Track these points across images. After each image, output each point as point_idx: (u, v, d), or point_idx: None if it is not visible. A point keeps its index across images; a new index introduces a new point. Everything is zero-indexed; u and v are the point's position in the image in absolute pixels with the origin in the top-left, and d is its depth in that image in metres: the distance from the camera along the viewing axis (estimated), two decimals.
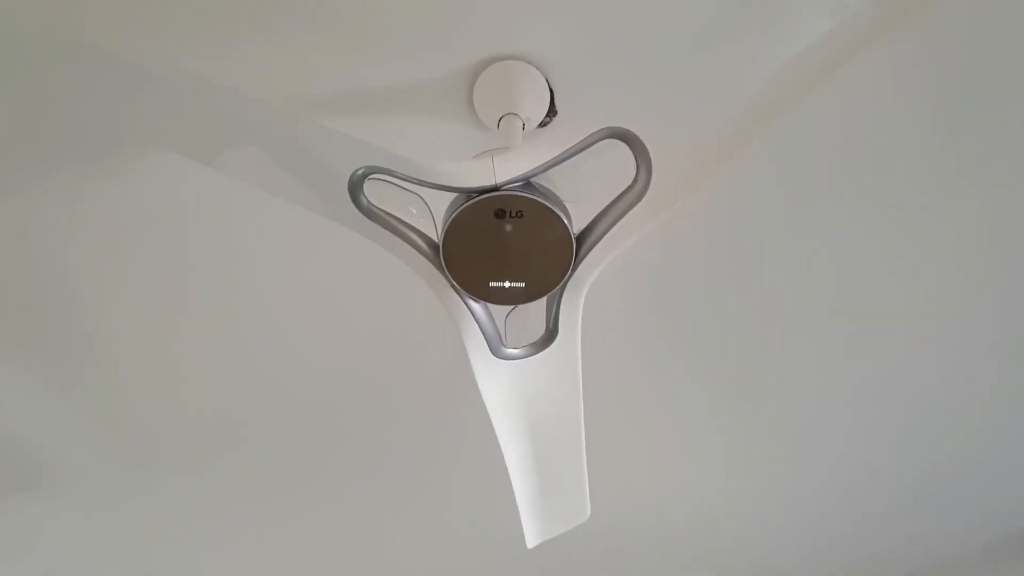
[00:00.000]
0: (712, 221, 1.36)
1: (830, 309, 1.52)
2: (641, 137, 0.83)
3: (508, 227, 0.86)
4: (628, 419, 1.73)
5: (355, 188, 0.86)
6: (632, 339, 1.53)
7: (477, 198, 0.85)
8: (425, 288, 0.94)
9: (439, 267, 0.91)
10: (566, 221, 0.87)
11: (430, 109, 1.17)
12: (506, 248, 0.88)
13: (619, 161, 0.86)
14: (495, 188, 0.85)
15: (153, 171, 1.22)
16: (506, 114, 1.11)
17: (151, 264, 1.36)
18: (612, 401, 1.64)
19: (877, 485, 1.95)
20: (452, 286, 0.92)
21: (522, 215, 0.86)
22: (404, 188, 0.87)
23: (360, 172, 0.85)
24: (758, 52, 0.80)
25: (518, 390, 1.02)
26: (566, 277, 0.90)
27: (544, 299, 0.95)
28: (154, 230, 1.31)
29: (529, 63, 1.16)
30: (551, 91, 1.17)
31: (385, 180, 0.86)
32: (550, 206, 0.85)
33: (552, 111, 1.16)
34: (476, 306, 0.94)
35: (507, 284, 0.90)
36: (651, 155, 0.84)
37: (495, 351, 0.98)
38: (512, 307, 0.96)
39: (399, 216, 0.90)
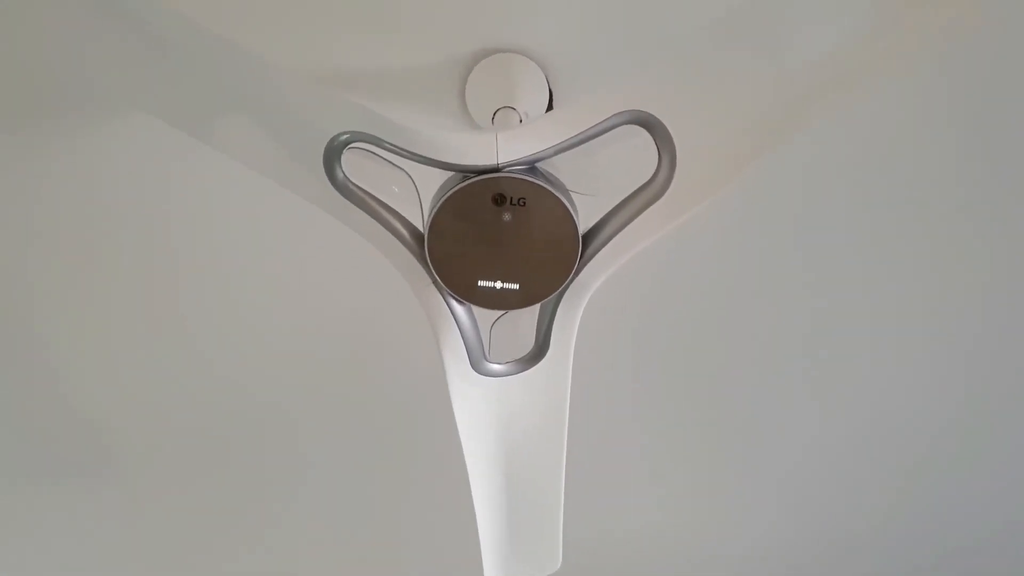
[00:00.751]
0: (715, 238, 1.26)
1: (831, 345, 1.44)
2: (665, 123, 0.73)
3: (507, 216, 0.74)
4: (608, 452, 1.59)
5: (332, 158, 0.73)
6: (620, 362, 1.42)
7: (474, 178, 0.73)
8: (402, 286, 0.82)
9: (421, 259, 0.78)
10: (574, 215, 0.75)
11: (417, 98, 1.07)
12: (501, 242, 0.76)
13: (637, 151, 0.75)
14: (496, 169, 0.73)
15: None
16: (502, 107, 1.00)
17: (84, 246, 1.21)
18: (592, 431, 1.51)
19: (875, 535, 1.84)
20: (434, 283, 0.79)
21: (524, 203, 0.74)
22: (389, 161, 0.74)
23: (341, 138, 0.72)
24: (792, 41, 0.71)
25: (496, 412, 0.89)
26: (567, 281, 0.79)
27: (537, 307, 0.84)
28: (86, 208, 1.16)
29: (528, 57, 1.07)
30: (550, 90, 1.08)
31: (368, 150, 0.73)
32: (558, 195, 0.74)
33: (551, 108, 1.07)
34: (460, 310, 0.82)
35: (498, 285, 0.78)
36: (676, 145, 0.73)
37: (476, 365, 0.85)
38: (501, 313, 0.83)
39: (379, 196, 0.78)
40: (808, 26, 0.70)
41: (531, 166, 0.75)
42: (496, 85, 1.05)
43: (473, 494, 0.96)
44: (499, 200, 0.73)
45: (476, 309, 0.82)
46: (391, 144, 0.71)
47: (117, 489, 1.64)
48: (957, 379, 1.50)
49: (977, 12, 0.64)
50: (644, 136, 0.74)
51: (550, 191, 0.73)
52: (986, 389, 1.51)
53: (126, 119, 1.08)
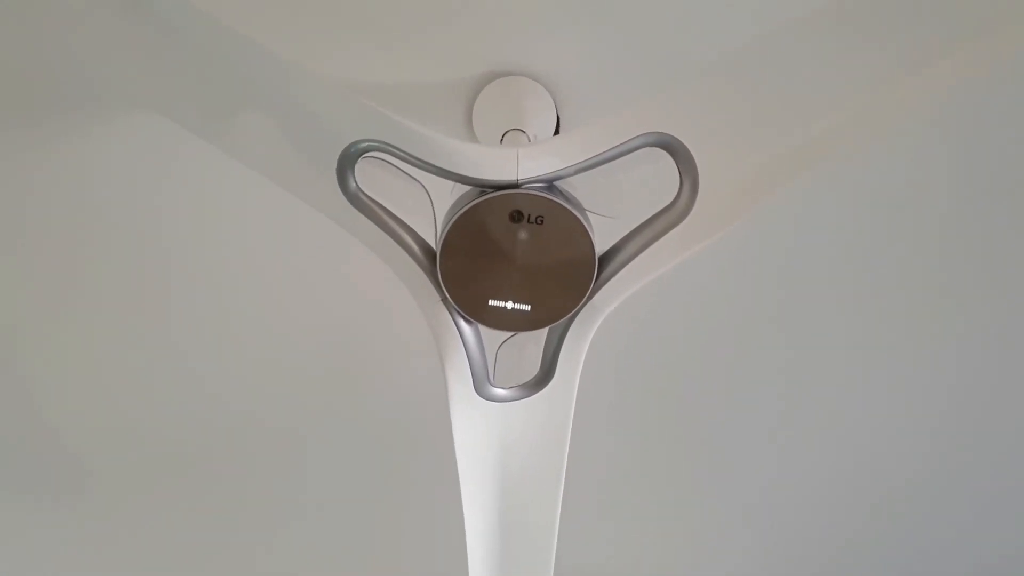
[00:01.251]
0: (695, 279, 1.26)
1: (805, 386, 1.43)
2: (689, 147, 0.71)
3: (523, 234, 0.72)
4: (601, 487, 1.56)
5: (346, 166, 0.71)
6: (598, 396, 1.39)
7: (493, 193, 0.71)
8: (404, 300, 0.79)
9: (431, 275, 0.75)
10: (592, 236, 0.73)
11: (426, 116, 1.05)
12: (516, 260, 0.73)
13: (658, 175, 0.74)
14: (515, 185, 0.71)
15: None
16: (512, 129, 0.99)
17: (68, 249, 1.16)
18: (587, 464, 1.48)
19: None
20: (444, 300, 0.76)
21: (542, 221, 0.72)
22: (405, 172, 0.72)
23: (356, 146, 0.70)
24: (823, 76, 0.71)
25: (496, 438, 0.86)
26: (580, 304, 0.76)
27: (545, 331, 0.81)
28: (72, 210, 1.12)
29: (537, 81, 1.06)
30: (558, 116, 1.07)
31: (384, 159, 0.71)
32: (578, 215, 0.72)
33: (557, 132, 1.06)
34: (468, 330, 0.79)
35: (510, 305, 0.76)
36: (698, 170, 0.72)
37: (479, 388, 0.82)
38: (508, 336, 0.80)
39: (390, 208, 0.75)
40: (841, 61, 0.70)
41: (550, 184, 0.73)
42: (504, 107, 1.03)
43: (465, 521, 0.92)
44: (517, 217, 0.71)
45: (483, 330, 0.80)
46: (409, 155, 0.69)
47: (93, 505, 1.57)
48: (929, 417, 1.50)
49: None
50: (666, 159, 0.73)
51: (570, 211, 0.71)
52: (956, 428, 1.52)
53: (118, 119, 1.04)
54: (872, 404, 1.47)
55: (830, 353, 1.38)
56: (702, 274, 1.24)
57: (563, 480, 0.91)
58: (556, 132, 1.06)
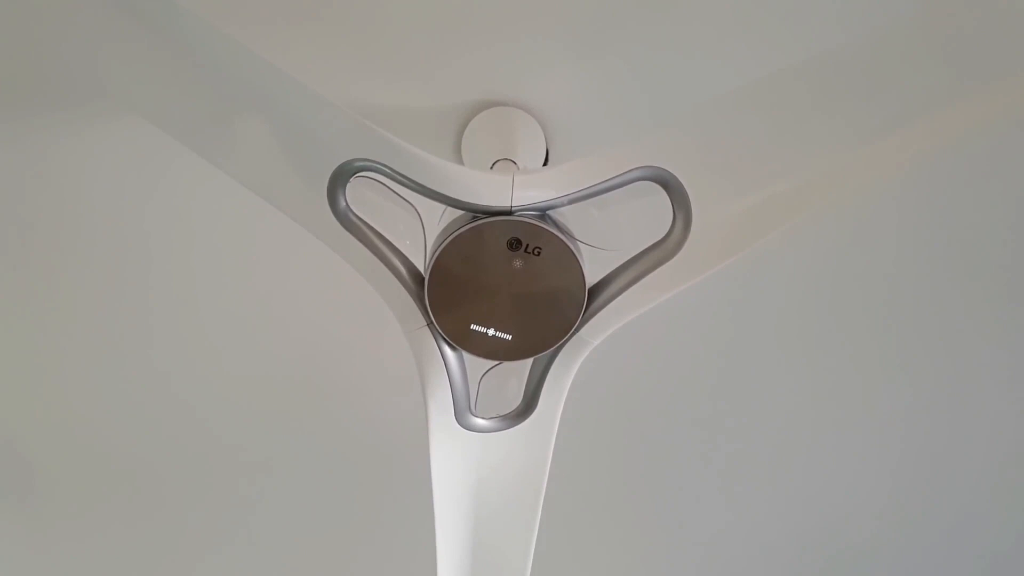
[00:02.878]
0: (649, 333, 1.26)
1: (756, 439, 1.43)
2: (683, 182, 0.71)
3: (515, 262, 0.71)
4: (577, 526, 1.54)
5: (337, 184, 0.70)
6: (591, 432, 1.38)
7: (485, 219, 0.70)
8: (385, 322, 0.77)
9: (418, 299, 0.74)
10: (583, 267, 0.72)
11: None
12: (506, 288, 0.72)
13: (651, 208, 0.74)
14: (508, 212, 0.70)
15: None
16: (502, 159, 0.98)
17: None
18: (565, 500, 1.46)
19: None
20: (429, 325, 0.75)
21: (535, 250, 0.71)
22: (397, 194, 0.71)
23: (350, 164, 0.68)
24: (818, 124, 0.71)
25: (475, 469, 0.84)
26: (568, 335, 0.75)
27: (530, 362, 0.80)
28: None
29: (528, 112, 1.06)
30: (547, 149, 1.07)
31: (376, 180, 0.70)
32: (569, 245, 0.71)
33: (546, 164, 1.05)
34: (452, 357, 0.77)
35: (496, 333, 0.74)
36: (692, 206, 0.72)
37: (460, 417, 0.80)
38: (492, 365, 0.79)
39: (379, 230, 0.74)
40: (833, 111, 0.71)
41: (542, 213, 0.72)
42: (495, 136, 1.03)
43: (438, 553, 0.90)
44: (511, 244, 0.70)
45: (467, 358, 0.78)
46: (403, 176, 0.68)
47: (38, 519, 1.50)
48: (881, 473, 1.52)
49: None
50: (659, 194, 0.73)
51: (562, 240, 0.71)
52: (907, 484, 1.54)
53: (105, 126, 1.02)
54: (829, 458, 1.48)
55: (777, 402, 1.40)
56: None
57: (538, 516, 0.89)
58: (545, 163, 1.06)
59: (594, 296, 0.75)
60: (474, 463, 0.84)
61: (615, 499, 1.53)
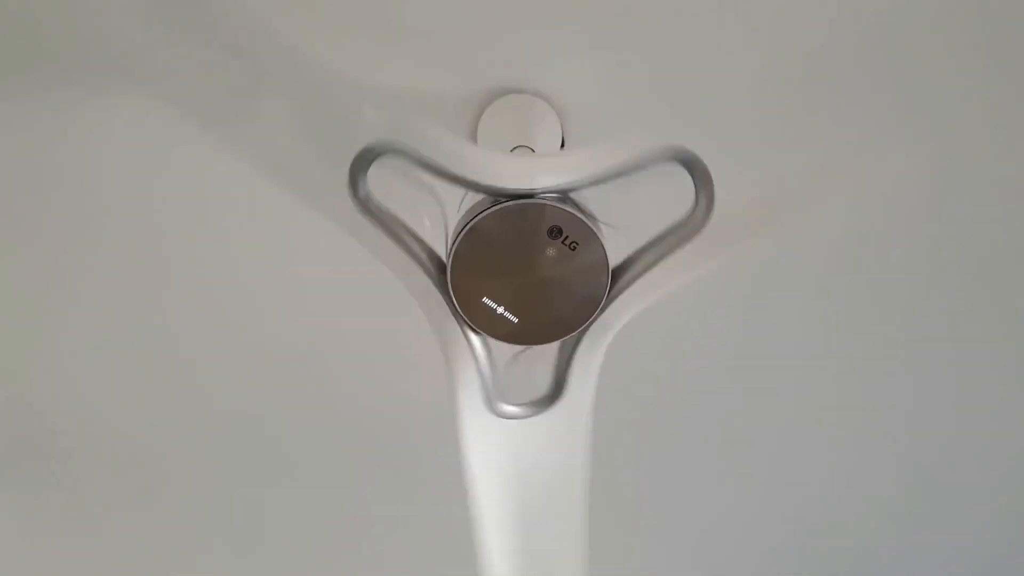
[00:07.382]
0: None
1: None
2: (705, 162, 0.71)
3: (538, 244, 0.71)
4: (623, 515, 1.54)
5: (358, 169, 0.70)
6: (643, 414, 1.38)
7: (508, 202, 0.69)
8: (411, 309, 0.77)
9: (440, 286, 0.74)
10: (606, 249, 0.72)
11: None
12: (530, 271, 0.72)
13: (673, 189, 0.73)
14: (530, 195, 0.70)
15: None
16: (519, 146, 0.98)
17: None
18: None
19: None
20: (453, 313, 0.74)
21: (558, 232, 0.70)
22: (417, 179, 0.71)
23: (373, 148, 0.68)
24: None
25: (511, 458, 0.83)
26: (592, 318, 0.75)
27: (556, 346, 0.79)
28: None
29: (545, 100, 1.06)
30: (563, 136, 1.06)
31: (396, 164, 0.70)
32: (592, 227, 0.71)
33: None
34: (478, 344, 0.77)
35: (521, 318, 0.74)
36: (714, 185, 0.71)
37: (490, 404, 0.80)
38: (519, 351, 0.78)
39: (399, 216, 0.74)
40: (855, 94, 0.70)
41: (564, 195, 0.72)
42: (511, 123, 1.03)
43: (481, 543, 0.89)
44: (532, 227, 0.70)
45: (493, 345, 0.78)
46: (425, 159, 0.68)
47: (73, 501, 1.51)
48: (899, 469, 1.52)
49: None
50: (680, 174, 0.72)
51: (585, 222, 0.70)
52: (913, 479, 1.54)
53: (115, 108, 1.00)
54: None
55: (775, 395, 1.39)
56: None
57: (586, 502, 0.88)
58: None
59: (617, 278, 0.75)
60: (509, 451, 0.83)
61: (621, 491, 1.52)
